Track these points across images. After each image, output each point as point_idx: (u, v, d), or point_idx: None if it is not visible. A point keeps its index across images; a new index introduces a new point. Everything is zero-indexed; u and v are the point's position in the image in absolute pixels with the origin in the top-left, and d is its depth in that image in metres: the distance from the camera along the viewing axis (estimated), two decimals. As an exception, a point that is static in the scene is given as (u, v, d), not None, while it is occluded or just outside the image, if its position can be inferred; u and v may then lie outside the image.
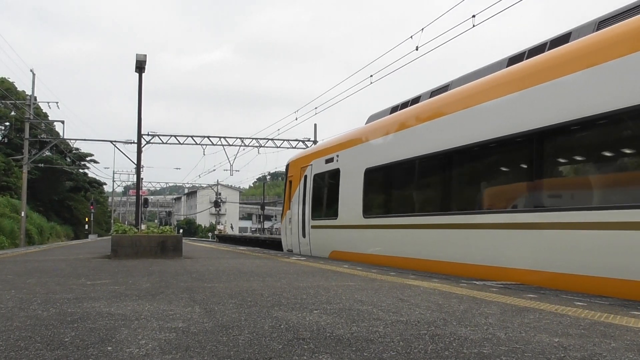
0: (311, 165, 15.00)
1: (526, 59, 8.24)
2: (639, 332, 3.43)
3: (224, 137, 34.48)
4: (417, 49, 14.40)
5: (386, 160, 10.97)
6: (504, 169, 8.36)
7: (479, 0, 14.10)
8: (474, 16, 12.47)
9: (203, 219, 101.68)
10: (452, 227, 8.64)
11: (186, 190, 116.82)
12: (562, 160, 7.24)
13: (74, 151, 50.79)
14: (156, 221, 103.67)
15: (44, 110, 42.05)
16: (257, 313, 4.11)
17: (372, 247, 11.34)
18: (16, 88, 43.52)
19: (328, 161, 13.84)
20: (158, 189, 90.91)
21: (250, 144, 34.59)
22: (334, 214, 13.16)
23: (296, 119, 41.84)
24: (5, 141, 44.58)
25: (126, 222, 63.09)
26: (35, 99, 33.23)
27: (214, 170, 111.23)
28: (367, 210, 11.69)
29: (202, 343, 3.04)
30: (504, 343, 3.06)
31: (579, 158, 6.96)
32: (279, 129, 55.89)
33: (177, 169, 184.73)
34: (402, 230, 10.26)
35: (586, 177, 6.81)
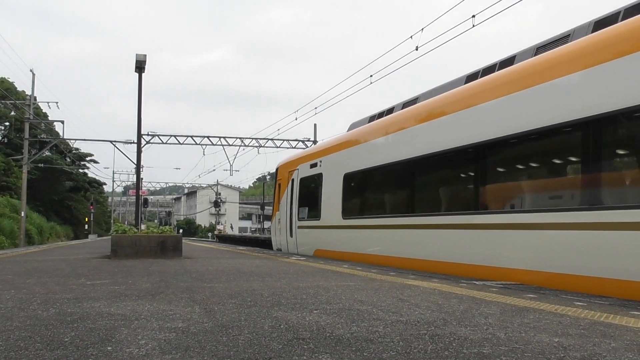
0: (298, 169, 16.03)
1: (481, 76, 9.34)
2: (639, 332, 3.43)
3: (224, 137, 34.48)
4: (417, 49, 14.40)
5: (362, 167, 12.06)
6: (454, 176, 9.45)
7: (478, 0, 14.11)
8: (473, 16, 12.48)
9: (203, 219, 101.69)
10: (416, 228, 9.78)
11: (186, 190, 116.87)
12: (497, 170, 8.46)
13: (73, 151, 50.78)
14: (156, 221, 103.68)
15: (43, 110, 42.07)
16: (257, 313, 4.11)
17: (351, 246, 12.31)
18: (16, 88, 43.53)
19: (312, 166, 14.95)
20: (158, 189, 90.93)
21: (250, 144, 34.60)
22: (317, 215, 14.22)
23: (296, 119, 41.86)
24: (5, 141, 44.58)
25: (126, 222, 63.09)
26: (35, 99, 33.23)
27: (214, 170, 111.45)
28: (346, 212, 12.70)
29: (201, 343, 3.04)
30: (504, 343, 3.06)
31: (506, 169, 8.34)
32: (278, 129, 55.95)
33: (177, 169, 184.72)
34: (376, 230, 11.30)
35: (514, 184, 8.13)
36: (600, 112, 6.19)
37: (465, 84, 9.62)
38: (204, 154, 41.99)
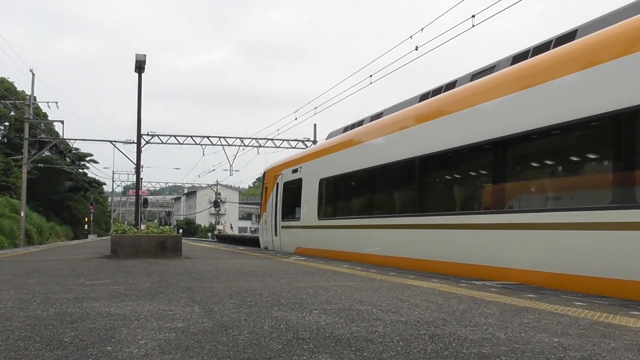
0: (282, 174, 17.51)
1: (431, 96, 10.72)
2: (639, 332, 3.43)
3: (224, 137, 34.47)
4: (416, 49, 14.40)
5: (334, 173, 13.60)
6: (401, 184, 11.00)
7: (478, 0, 14.10)
8: (473, 16, 12.47)
9: (202, 219, 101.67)
10: (375, 228, 11.27)
11: (186, 190, 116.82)
12: (433, 179, 10.06)
13: (73, 151, 50.75)
14: (156, 221, 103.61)
15: (43, 110, 42.07)
16: (256, 313, 4.11)
17: (326, 244, 13.70)
18: (16, 88, 43.51)
19: (294, 171, 16.42)
20: (158, 189, 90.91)
21: (249, 144, 34.58)
22: (297, 216, 15.81)
23: (296, 119, 41.71)
24: (5, 141, 44.56)
25: (126, 222, 63.07)
26: (34, 98, 33.21)
27: (214, 170, 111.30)
28: (321, 213, 14.21)
29: (201, 343, 3.04)
30: (504, 343, 3.06)
31: (438, 178, 9.94)
32: (278, 129, 55.98)
33: (176, 169, 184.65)
34: (345, 229, 12.76)
35: (442, 191, 9.82)
36: (505, 134, 7.62)
37: (419, 102, 11.02)
38: (203, 154, 42.01)
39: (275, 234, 17.59)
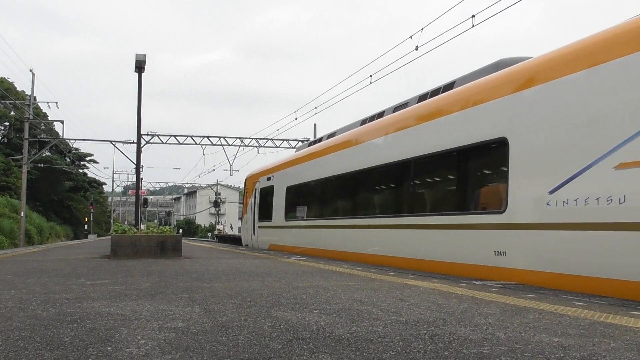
0: (259, 181, 20.22)
1: (368, 122, 13.10)
2: (639, 332, 3.43)
3: (224, 137, 34.41)
4: (416, 49, 14.38)
5: (297, 182, 16.25)
6: (344, 193, 13.39)
7: (478, 0, 14.09)
8: (473, 16, 12.46)
9: (202, 219, 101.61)
10: (327, 228, 13.82)
11: (186, 190, 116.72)
12: (359, 190, 12.57)
13: (73, 151, 50.70)
14: (156, 221, 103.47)
15: (43, 110, 42.01)
16: (256, 313, 4.11)
17: (291, 241, 16.38)
18: (15, 88, 43.45)
19: (268, 179, 19.11)
20: (157, 189, 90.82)
21: (249, 144, 34.53)
22: (270, 217, 18.36)
23: (296, 119, 41.52)
24: (5, 141, 44.53)
25: (126, 222, 63.04)
26: (34, 98, 33.18)
27: (214, 170, 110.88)
28: (287, 216, 16.87)
29: (201, 343, 3.04)
30: (504, 343, 3.06)
31: (368, 189, 12.26)
32: (278, 129, 55.83)
33: (176, 169, 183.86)
34: (305, 229, 15.47)
35: (368, 198, 12.32)
36: (408, 157, 10.18)
37: (360, 125, 13.50)
38: (203, 154, 41.94)
39: (254, 233, 20.31)
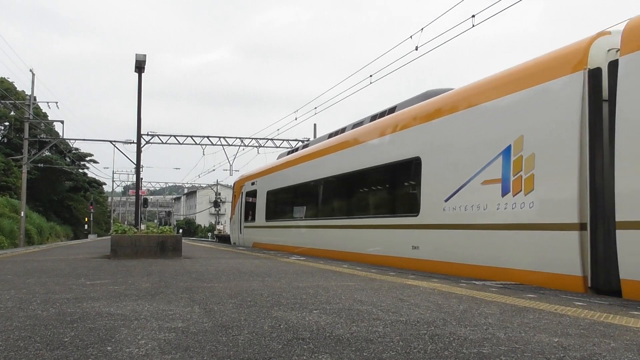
0: (245, 185, 22.65)
1: (329, 137, 15.54)
2: (639, 332, 3.43)
3: (224, 137, 34.37)
4: (416, 49, 14.37)
5: (275, 187, 18.75)
6: (310, 198, 15.70)
7: (478, 0, 14.09)
8: (473, 16, 12.46)
9: (202, 219, 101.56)
10: (295, 227, 16.54)
11: (186, 190, 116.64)
12: (319, 196, 15.02)
13: (73, 151, 50.68)
14: (156, 221, 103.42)
15: (43, 110, 42.00)
16: (256, 313, 4.11)
17: (271, 239, 18.89)
18: (15, 88, 43.43)
19: (252, 184, 21.49)
20: (157, 189, 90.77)
21: (249, 144, 34.50)
22: (254, 218, 20.90)
23: (296, 119, 41.49)
24: (5, 141, 44.52)
25: (126, 222, 63.00)
26: (34, 98, 33.17)
27: (214, 170, 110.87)
28: (267, 217, 19.40)
29: (201, 343, 3.04)
30: (504, 343, 3.06)
31: (327, 194, 14.72)
32: (278, 129, 55.76)
33: (176, 169, 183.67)
34: (282, 229, 17.94)
35: (325, 202, 14.54)
36: (353, 169, 12.57)
37: (327, 138, 15.59)
38: (203, 154, 41.97)
39: (240, 232, 23.12)
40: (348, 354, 2.79)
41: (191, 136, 34.20)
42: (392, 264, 10.19)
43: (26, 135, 32.40)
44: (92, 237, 49.57)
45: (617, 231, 5.73)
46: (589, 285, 6.21)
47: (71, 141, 41.11)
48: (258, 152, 36.15)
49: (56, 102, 34.91)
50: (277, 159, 21.29)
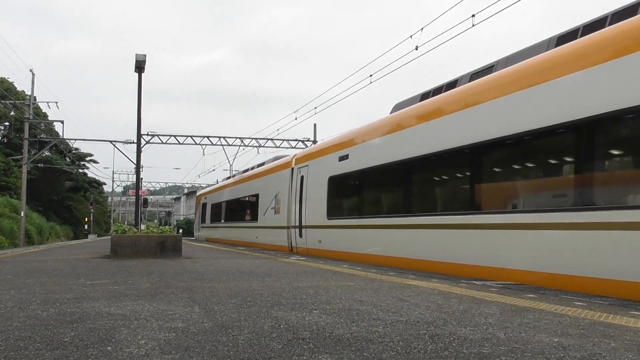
0: (201, 199, 33.55)
1: (250, 170, 24.40)
2: (639, 332, 3.43)
3: (224, 137, 34.34)
4: (416, 49, 14.37)
5: (216, 201, 28.54)
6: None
7: (478, 0, 14.08)
8: (473, 15, 12.45)
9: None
10: (226, 227, 25.63)
11: (186, 190, 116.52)
12: (233, 208, 25.24)
13: (73, 151, 50.66)
14: (156, 221, 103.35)
15: (43, 110, 41.97)
16: (256, 313, 4.11)
17: (213, 235, 28.43)
18: (15, 88, 43.38)
19: (205, 198, 32.15)
20: (157, 189, 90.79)
21: (249, 144, 34.47)
22: (205, 221, 31.56)
23: (296, 119, 41.49)
24: (5, 141, 44.49)
25: (126, 222, 62.97)
26: (34, 98, 33.16)
27: (214, 170, 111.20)
28: (211, 220, 29.39)
29: (201, 343, 3.04)
30: (504, 343, 3.06)
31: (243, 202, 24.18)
32: (278, 129, 55.77)
33: (176, 169, 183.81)
34: (220, 228, 26.77)
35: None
36: (253, 193, 21.56)
37: (242, 173, 24.55)
38: (203, 154, 42.01)
39: (199, 231, 34.18)
40: (348, 354, 2.79)
41: (191, 136, 34.18)
42: (244, 245, 20.67)
43: (26, 135, 32.40)
44: (92, 237, 49.54)
45: (302, 229, 15.10)
46: (290, 250, 16.01)
47: (71, 141, 41.16)
48: (258, 152, 36.11)
49: (56, 102, 34.94)
50: (223, 179, 32.18)
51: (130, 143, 32.13)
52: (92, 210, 52.26)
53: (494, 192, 8.31)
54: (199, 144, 34.35)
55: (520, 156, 7.75)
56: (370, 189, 11.93)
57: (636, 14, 6.52)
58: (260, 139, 34.22)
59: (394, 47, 21.19)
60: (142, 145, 18.19)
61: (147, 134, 32.45)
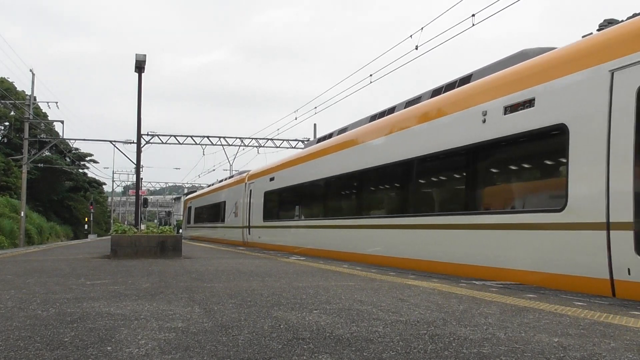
0: (187, 202, 38.87)
1: (217, 182, 32.00)
2: (639, 332, 3.43)
3: (224, 137, 34.38)
4: (416, 48, 14.36)
5: (198, 205, 33.74)
6: (209, 213, 30.55)
7: (478, 0, 14.06)
8: (473, 15, 12.45)
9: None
10: (206, 228, 30.95)
11: (186, 190, 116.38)
12: (209, 212, 30.82)
13: (73, 151, 50.65)
14: (156, 221, 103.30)
15: (43, 110, 41.98)
16: (256, 313, 4.11)
17: (197, 234, 32.81)
18: (16, 88, 43.38)
19: (190, 202, 36.84)
20: (157, 189, 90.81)
21: (249, 144, 34.51)
22: (189, 222, 36.65)
23: (296, 119, 41.44)
24: (5, 141, 44.50)
25: (126, 222, 62.97)
26: (34, 98, 33.17)
27: (214, 170, 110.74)
28: (195, 221, 34.60)
29: (201, 343, 3.04)
30: (504, 343, 3.07)
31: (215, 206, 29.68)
32: (278, 129, 55.84)
33: (176, 169, 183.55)
34: (201, 228, 32.11)
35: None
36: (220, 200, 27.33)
37: (217, 182, 32.06)
38: (203, 154, 42.07)
39: (185, 230, 38.40)
40: (348, 354, 2.79)
41: (191, 136, 34.23)
42: (216, 241, 25.31)
43: (26, 135, 32.40)
44: (92, 237, 49.54)
45: (250, 229, 20.72)
46: (243, 243, 21.41)
47: (71, 141, 41.19)
48: (258, 152, 36.34)
49: (56, 102, 34.97)
50: (207, 186, 36.71)
51: (130, 143, 32.14)
52: (92, 210, 52.27)
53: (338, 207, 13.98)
54: (199, 144, 34.41)
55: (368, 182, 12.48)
56: (286, 201, 17.37)
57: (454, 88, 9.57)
58: (260, 139, 34.27)
59: (394, 47, 21.19)
60: (142, 145, 18.19)
61: (147, 134, 32.51)
